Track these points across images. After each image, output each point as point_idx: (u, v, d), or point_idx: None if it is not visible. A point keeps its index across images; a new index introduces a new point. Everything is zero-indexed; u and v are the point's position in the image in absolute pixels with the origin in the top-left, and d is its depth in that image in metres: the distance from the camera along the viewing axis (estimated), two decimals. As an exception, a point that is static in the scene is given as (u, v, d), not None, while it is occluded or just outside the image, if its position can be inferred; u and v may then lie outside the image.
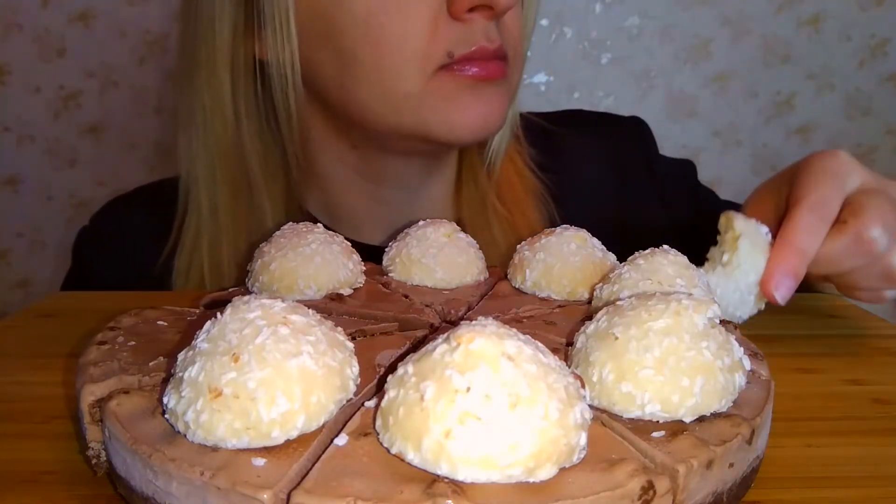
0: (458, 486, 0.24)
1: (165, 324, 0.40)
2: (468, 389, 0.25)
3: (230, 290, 0.47)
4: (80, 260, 0.74)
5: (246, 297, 0.30)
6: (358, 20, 0.55)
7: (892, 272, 0.46)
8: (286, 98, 0.60)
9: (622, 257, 0.43)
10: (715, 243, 0.47)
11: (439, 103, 0.57)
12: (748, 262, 0.44)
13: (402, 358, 0.29)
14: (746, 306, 0.45)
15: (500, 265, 0.53)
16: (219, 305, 0.34)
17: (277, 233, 0.46)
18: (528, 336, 0.28)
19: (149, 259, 0.67)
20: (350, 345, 0.31)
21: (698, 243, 0.48)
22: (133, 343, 0.37)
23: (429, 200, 0.70)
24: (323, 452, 0.27)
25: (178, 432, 0.27)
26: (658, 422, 0.29)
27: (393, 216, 0.68)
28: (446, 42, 0.55)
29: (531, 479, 0.25)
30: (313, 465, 0.26)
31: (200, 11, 0.61)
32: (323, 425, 0.28)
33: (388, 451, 0.26)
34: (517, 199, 0.70)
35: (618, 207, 0.71)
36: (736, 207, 0.50)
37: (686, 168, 0.80)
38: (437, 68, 0.56)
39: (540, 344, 0.28)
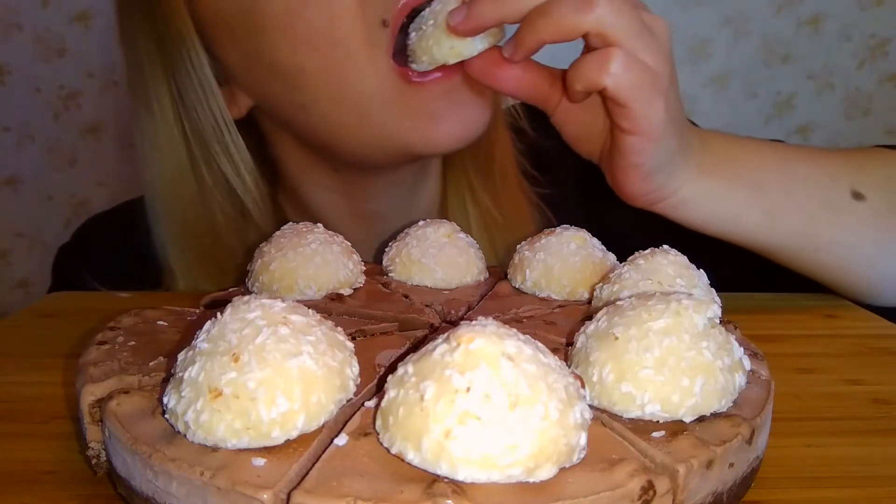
0: (458, 486, 0.24)
1: (165, 324, 0.40)
2: (468, 389, 0.25)
3: (230, 290, 0.47)
4: (61, 277, 0.72)
5: (246, 297, 0.30)
6: (279, 24, 0.51)
7: None
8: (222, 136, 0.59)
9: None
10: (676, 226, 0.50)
11: (418, 121, 0.54)
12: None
13: (402, 358, 0.29)
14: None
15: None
16: (219, 305, 0.34)
17: (277, 233, 0.46)
18: (528, 336, 0.28)
19: (131, 275, 0.66)
20: (350, 345, 0.31)
21: (683, 233, 0.48)
22: (133, 343, 0.37)
23: (417, 211, 0.67)
24: (323, 452, 0.27)
25: (178, 432, 0.28)
26: (658, 422, 0.29)
27: (383, 232, 0.65)
28: (376, 11, 0.51)
29: (531, 479, 0.25)
30: (313, 465, 0.26)
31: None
32: (323, 425, 0.28)
33: (388, 451, 0.26)
34: (511, 194, 0.68)
35: (591, 203, 0.70)
36: None
37: None
38: (389, 59, 0.52)
39: (540, 344, 0.28)
